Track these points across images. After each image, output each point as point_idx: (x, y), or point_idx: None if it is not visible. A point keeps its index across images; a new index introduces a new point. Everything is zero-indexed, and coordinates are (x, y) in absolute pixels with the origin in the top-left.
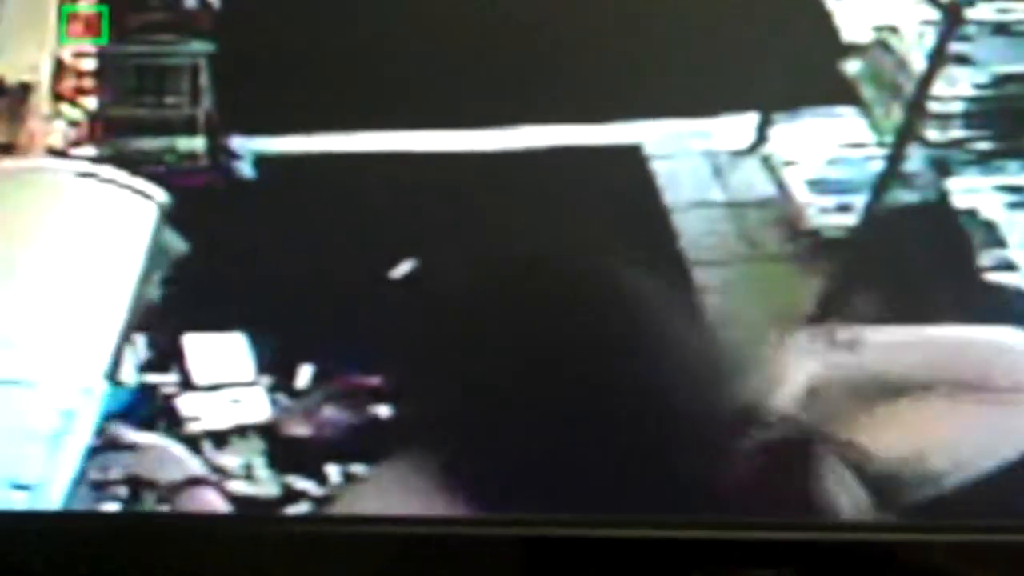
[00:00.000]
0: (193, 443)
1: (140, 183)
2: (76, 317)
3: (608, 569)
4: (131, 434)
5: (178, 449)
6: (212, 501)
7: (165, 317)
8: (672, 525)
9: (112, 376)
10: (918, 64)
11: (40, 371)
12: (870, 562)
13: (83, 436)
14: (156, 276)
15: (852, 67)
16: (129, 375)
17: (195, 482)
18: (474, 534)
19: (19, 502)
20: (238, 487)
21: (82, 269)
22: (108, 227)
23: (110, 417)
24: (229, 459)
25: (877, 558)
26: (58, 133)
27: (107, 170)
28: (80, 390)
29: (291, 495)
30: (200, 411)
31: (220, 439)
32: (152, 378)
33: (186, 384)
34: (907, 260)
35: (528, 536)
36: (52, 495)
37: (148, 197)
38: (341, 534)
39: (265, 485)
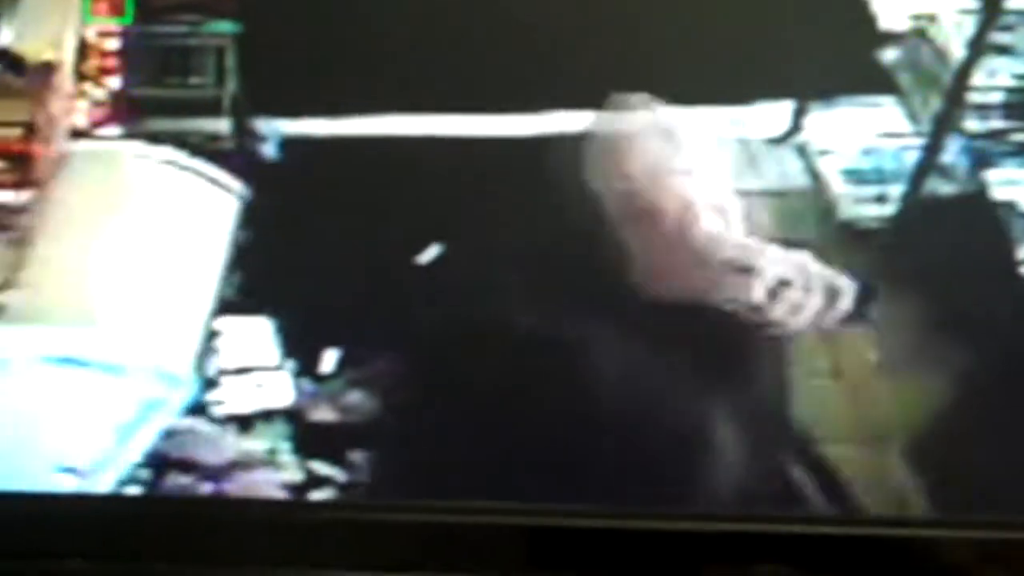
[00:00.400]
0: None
1: (222, 174)
2: (163, 304)
3: (613, 560)
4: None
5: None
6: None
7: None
8: (674, 518)
9: (200, 367)
10: (957, 53)
11: (126, 356)
12: (873, 557)
13: (160, 425)
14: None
15: (889, 55)
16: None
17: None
18: (481, 523)
19: (66, 485)
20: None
21: (171, 256)
22: (192, 215)
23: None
24: (254, 444)
25: (879, 553)
26: (81, 113)
27: (189, 159)
28: (165, 379)
29: (315, 481)
30: (225, 395)
31: (245, 423)
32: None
33: None
34: (944, 252)
35: (533, 526)
36: (104, 480)
37: (229, 188)
38: (346, 520)
39: (290, 470)
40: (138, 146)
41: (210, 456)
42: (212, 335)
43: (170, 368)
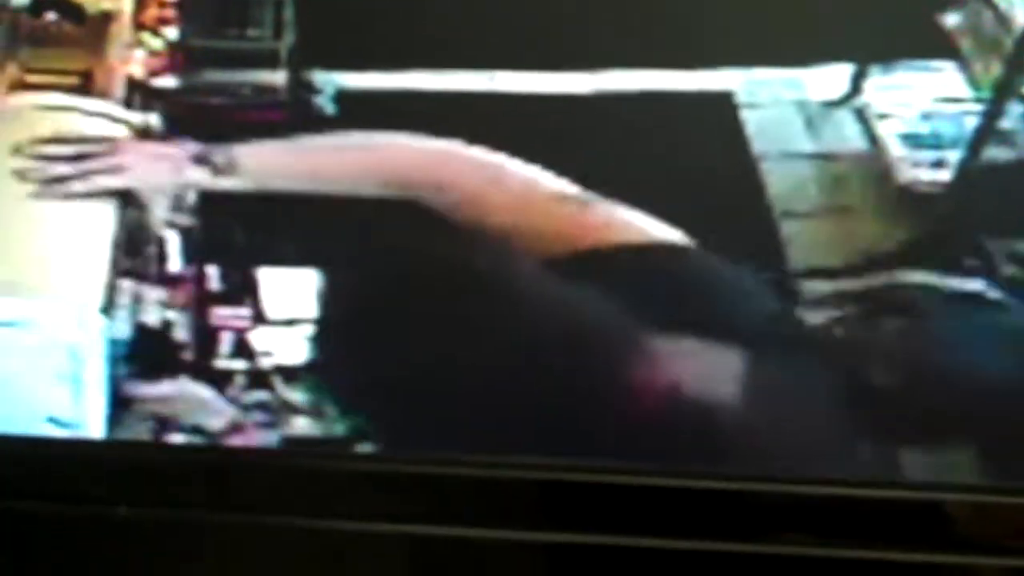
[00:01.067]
0: (263, 378)
1: (130, 115)
2: (71, 253)
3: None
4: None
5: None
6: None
7: (238, 251)
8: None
9: (107, 311)
10: (1020, 19)
11: (39, 311)
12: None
13: (96, 372)
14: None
15: (951, 20)
16: (124, 310)
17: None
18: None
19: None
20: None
21: (73, 206)
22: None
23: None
24: (299, 395)
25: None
26: (138, 63)
27: (94, 103)
28: (79, 325)
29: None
30: (272, 346)
31: (291, 375)
32: (224, 311)
33: (259, 318)
34: (1002, 219)
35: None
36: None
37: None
38: (384, 472)
39: (331, 422)
40: (41, 98)
41: (211, 422)
42: (118, 275)
43: (81, 314)
